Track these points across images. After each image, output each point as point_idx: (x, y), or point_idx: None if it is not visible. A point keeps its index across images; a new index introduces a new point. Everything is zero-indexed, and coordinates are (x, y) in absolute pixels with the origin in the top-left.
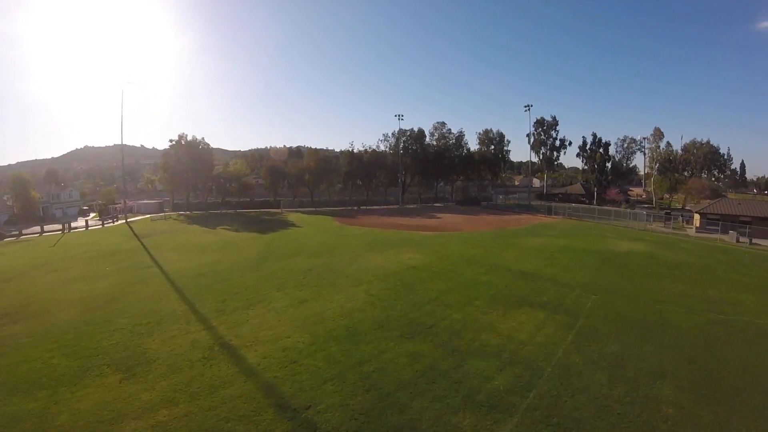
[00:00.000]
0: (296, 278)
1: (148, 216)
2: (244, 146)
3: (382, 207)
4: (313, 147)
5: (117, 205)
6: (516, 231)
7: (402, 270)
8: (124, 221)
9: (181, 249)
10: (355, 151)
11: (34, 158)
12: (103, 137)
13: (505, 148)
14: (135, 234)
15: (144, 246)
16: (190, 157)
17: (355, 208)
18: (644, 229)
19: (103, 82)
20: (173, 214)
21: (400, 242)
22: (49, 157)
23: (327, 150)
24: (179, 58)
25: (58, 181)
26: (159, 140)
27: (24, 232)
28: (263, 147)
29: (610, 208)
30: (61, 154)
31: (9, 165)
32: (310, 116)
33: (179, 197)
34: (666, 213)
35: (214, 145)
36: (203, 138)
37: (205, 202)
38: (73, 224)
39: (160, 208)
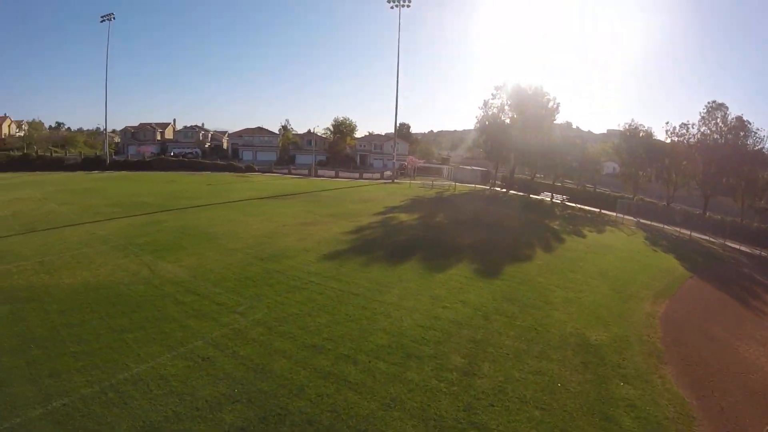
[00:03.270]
0: None
1: (431, 182)
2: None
3: None
4: None
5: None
6: None
7: None
8: (390, 181)
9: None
10: None
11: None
12: None
13: None
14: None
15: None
16: (517, 111)
17: None
18: None
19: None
20: (462, 186)
21: None
22: (461, 129)
23: None
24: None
25: (411, 139)
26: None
27: (293, 172)
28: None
29: None
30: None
31: (431, 131)
32: None
33: (504, 168)
34: None
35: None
36: (542, 86)
37: (531, 180)
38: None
39: (481, 179)
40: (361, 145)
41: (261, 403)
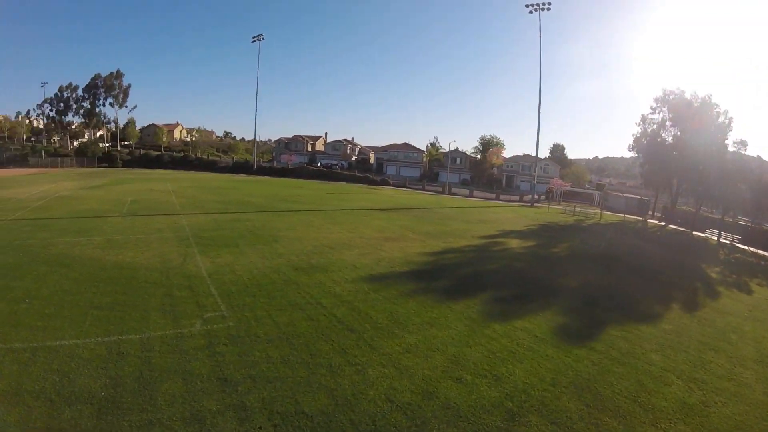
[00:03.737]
0: None
1: (573, 208)
2: None
3: None
4: None
5: (556, 188)
6: None
7: None
8: (529, 204)
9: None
10: None
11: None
12: None
13: None
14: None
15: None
16: (680, 127)
17: None
18: None
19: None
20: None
21: None
22: (629, 156)
23: None
24: None
25: (567, 163)
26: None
27: (427, 188)
28: None
29: None
30: None
31: (596, 157)
32: None
33: (665, 197)
34: None
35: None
36: (710, 96)
37: (696, 213)
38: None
39: (637, 208)
40: (508, 165)
41: (103, 419)
